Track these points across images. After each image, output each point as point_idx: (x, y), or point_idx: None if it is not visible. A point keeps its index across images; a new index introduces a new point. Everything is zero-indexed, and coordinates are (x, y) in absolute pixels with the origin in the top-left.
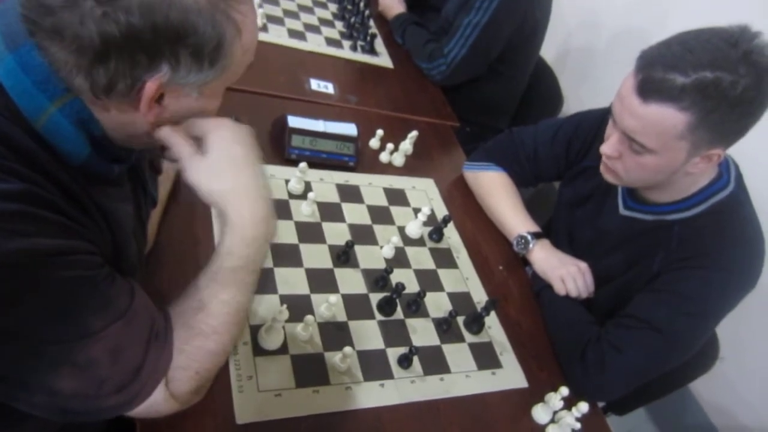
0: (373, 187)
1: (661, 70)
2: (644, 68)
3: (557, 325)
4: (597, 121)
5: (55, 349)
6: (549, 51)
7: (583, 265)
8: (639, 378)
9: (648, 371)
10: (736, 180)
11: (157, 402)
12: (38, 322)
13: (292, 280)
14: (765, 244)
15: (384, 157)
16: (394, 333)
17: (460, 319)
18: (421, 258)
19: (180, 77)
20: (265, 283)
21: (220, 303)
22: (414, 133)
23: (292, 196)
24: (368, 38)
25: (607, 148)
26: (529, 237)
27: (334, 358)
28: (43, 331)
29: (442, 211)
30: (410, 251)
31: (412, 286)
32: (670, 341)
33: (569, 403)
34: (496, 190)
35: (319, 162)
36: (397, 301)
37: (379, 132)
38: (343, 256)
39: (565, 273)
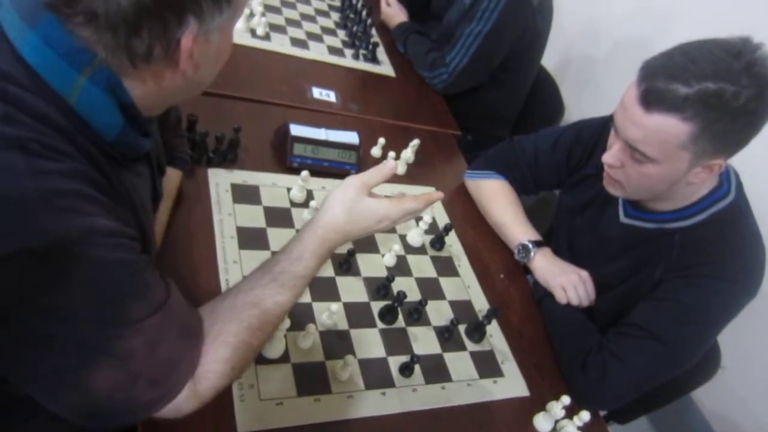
0: None
1: (664, 80)
2: (647, 78)
3: (559, 334)
4: (598, 129)
5: (96, 337)
6: (550, 59)
7: (584, 274)
8: (640, 387)
9: (649, 380)
10: (737, 189)
11: (180, 400)
12: (84, 304)
13: None
14: (765, 253)
15: None
16: (396, 341)
17: (462, 328)
18: (422, 266)
19: (206, 25)
20: None
21: (275, 304)
22: (416, 142)
23: (293, 204)
24: (370, 47)
25: (609, 158)
26: (530, 245)
27: (335, 366)
28: (86, 315)
29: (443, 220)
30: (412, 259)
31: (414, 295)
32: (671, 350)
33: (571, 412)
34: (497, 198)
35: (321, 170)
36: (399, 309)
37: (381, 140)
38: (345, 265)
39: (566, 281)
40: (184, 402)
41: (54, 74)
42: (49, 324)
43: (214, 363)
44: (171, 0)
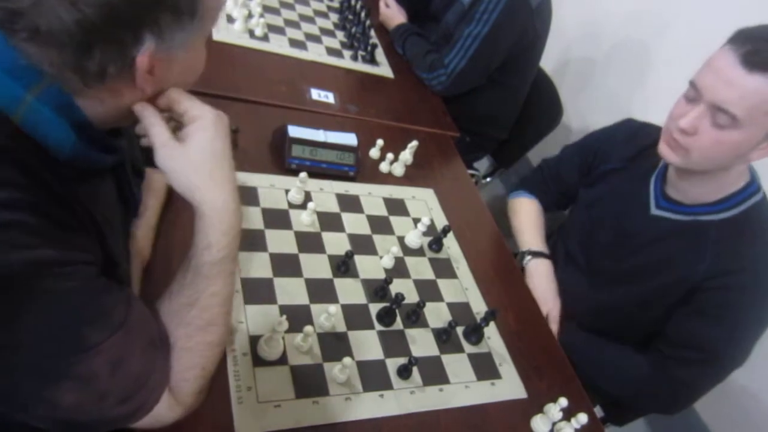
0: (372, 196)
1: None
2: (750, 41)
3: (600, 371)
4: (614, 130)
5: (54, 364)
6: (549, 62)
7: (554, 314)
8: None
9: (708, 388)
10: (762, 189)
11: (161, 411)
12: (36, 337)
13: (291, 291)
14: None
15: (384, 166)
16: (394, 343)
17: (460, 330)
18: (420, 268)
19: (166, 42)
20: (264, 293)
21: (211, 296)
22: (414, 143)
23: (292, 205)
24: (369, 48)
25: (685, 123)
26: (527, 255)
27: (333, 368)
28: (41, 346)
29: (441, 221)
30: (410, 261)
31: (412, 297)
32: (726, 365)
33: (568, 414)
34: (521, 211)
35: (319, 172)
36: (397, 311)
37: (380, 142)
38: (343, 266)
39: (544, 309)
40: (166, 412)
41: None
42: (2, 357)
43: (182, 371)
44: (122, 17)
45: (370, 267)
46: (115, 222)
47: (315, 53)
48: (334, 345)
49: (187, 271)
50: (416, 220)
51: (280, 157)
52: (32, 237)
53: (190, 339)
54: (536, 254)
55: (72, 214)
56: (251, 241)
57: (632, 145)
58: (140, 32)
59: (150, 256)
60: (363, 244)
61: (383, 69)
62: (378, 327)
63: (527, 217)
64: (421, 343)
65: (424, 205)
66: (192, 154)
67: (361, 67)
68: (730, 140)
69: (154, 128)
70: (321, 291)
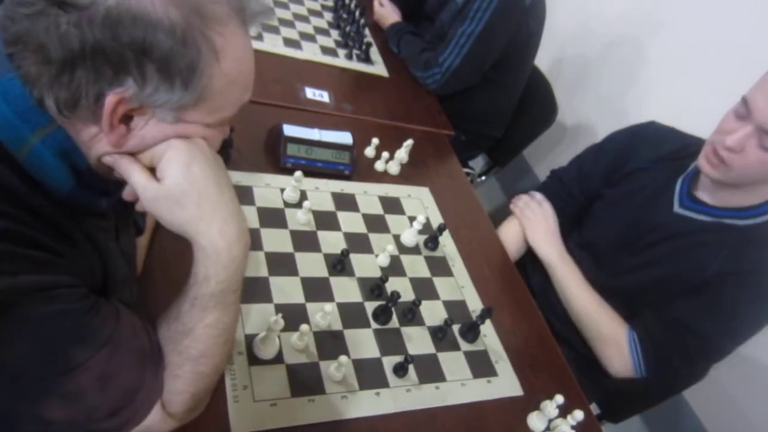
0: (368, 195)
1: None
2: None
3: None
4: (639, 130)
5: (41, 384)
6: (543, 60)
7: (539, 196)
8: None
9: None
10: None
11: (154, 423)
12: (21, 360)
13: (287, 289)
14: None
15: (379, 165)
16: (390, 341)
17: (456, 328)
18: (416, 266)
19: (147, 95)
20: (260, 292)
21: (206, 327)
22: (409, 142)
23: (287, 205)
24: (364, 47)
25: (732, 141)
26: None
27: (329, 367)
28: (26, 368)
29: (437, 220)
30: (405, 260)
31: (408, 295)
32: (710, 349)
33: (564, 411)
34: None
35: (314, 171)
36: (393, 309)
37: (375, 140)
38: (339, 265)
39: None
40: (159, 424)
41: (5, 130)
42: None
43: (172, 394)
44: (109, 53)
45: (365, 265)
46: (119, 247)
47: (310, 52)
48: (330, 343)
49: (186, 301)
50: (412, 219)
51: (276, 156)
52: (14, 263)
53: (180, 368)
54: None
55: (67, 240)
56: None
57: (661, 148)
58: (122, 74)
59: (147, 267)
60: (359, 243)
61: (378, 68)
62: (374, 325)
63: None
64: (417, 341)
65: (420, 203)
66: (172, 188)
67: (355, 65)
68: None
69: (132, 174)
70: (317, 290)
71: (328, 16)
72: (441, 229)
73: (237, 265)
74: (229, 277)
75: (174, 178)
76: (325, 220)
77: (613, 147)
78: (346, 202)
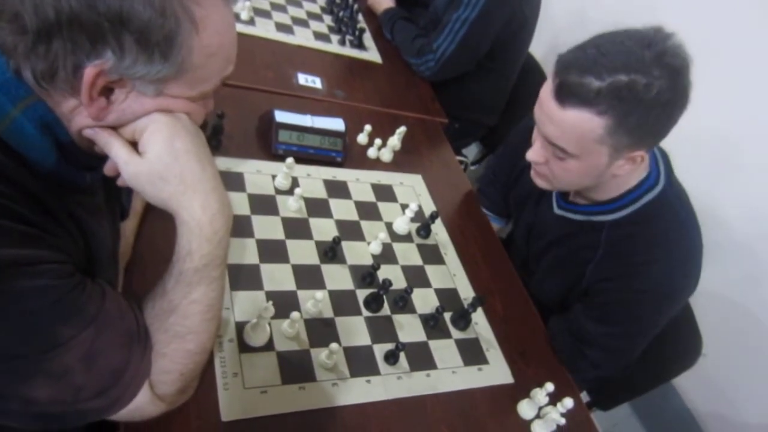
0: (360, 182)
1: (577, 74)
2: (560, 73)
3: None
4: (529, 122)
5: (26, 362)
6: (538, 48)
7: None
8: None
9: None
10: (666, 175)
11: (143, 404)
12: (5, 335)
13: (278, 277)
14: (698, 242)
15: (372, 152)
16: (381, 329)
17: (447, 316)
18: (408, 254)
19: (125, 66)
20: (251, 279)
21: (191, 303)
22: (402, 129)
23: (278, 191)
24: (357, 33)
25: (532, 155)
26: None
27: (320, 354)
28: (10, 345)
29: (429, 207)
30: (397, 247)
31: (399, 283)
32: (613, 354)
33: (554, 399)
34: None
35: (306, 157)
36: (384, 297)
37: (367, 127)
38: (330, 252)
39: None
40: (149, 406)
41: None
42: None
43: (159, 373)
44: (87, 23)
45: (357, 253)
46: (101, 224)
47: (302, 38)
48: (321, 331)
49: (170, 277)
50: (404, 206)
51: (267, 143)
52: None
53: (166, 345)
54: None
55: (51, 216)
56: (238, 227)
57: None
58: (100, 45)
59: (131, 254)
60: (350, 230)
61: (371, 54)
62: (365, 313)
63: None
64: (409, 329)
65: (412, 191)
66: (154, 163)
67: (348, 51)
68: (577, 168)
69: (113, 148)
70: (308, 277)
71: (321, 0)
72: (433, 216)
73: (219, 238)
74: (212, 250)
75: (156, 153)
76: (317, 208)
77: (509, 142)
78: (338, 190)
